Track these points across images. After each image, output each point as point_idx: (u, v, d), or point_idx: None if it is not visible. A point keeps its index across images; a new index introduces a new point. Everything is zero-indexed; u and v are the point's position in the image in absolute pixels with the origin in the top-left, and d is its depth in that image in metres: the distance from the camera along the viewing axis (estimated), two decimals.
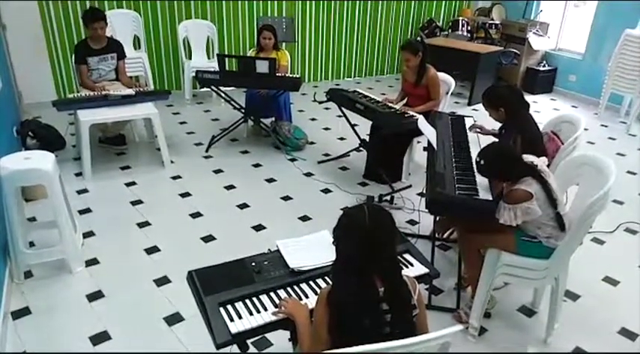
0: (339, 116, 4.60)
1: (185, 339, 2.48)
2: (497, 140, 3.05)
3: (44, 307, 2.66)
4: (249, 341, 1.75)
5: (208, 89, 4.95)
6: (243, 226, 3.49)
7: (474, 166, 2.89)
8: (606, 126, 5.75)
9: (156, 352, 2.37)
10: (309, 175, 4.30)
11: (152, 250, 3.17)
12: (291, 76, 4.67)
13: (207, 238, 3.33)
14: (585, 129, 3.26)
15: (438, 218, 2.96)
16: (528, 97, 3.21)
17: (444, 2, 7.52)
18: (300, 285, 1.87)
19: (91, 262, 3.02)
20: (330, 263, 1.85)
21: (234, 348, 1.72)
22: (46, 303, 2.68)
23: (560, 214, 2.33)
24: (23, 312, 2.62)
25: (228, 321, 1.67)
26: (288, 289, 1.85)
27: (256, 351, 2.41)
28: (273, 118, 4.92)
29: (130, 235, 3.32)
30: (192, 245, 3.25)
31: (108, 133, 4.52)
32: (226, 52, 6.04)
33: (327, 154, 4.68)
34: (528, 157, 2.43)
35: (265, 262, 1.94)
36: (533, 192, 2.27)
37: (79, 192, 3.81)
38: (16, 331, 2.49)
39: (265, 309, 1.75)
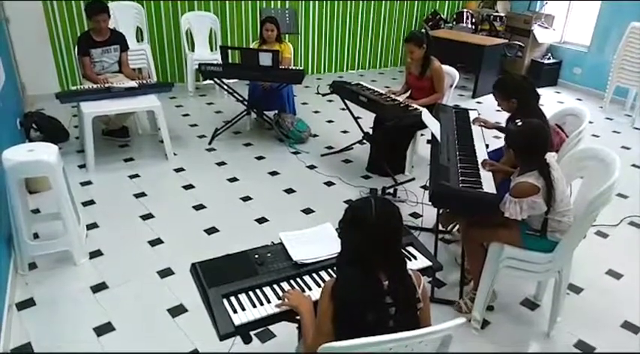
0: (343, 109, 4.58)
1: (188, 330, 2.49)
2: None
3: (48, 298, 2.67)
4: (252, 333, 1.75)
5: (211, 81, 4.94)
6: (246, 218, 3.50)
7: (477, 156, 2.87)
8: (611, 119, 5.71)
9: (158, 352, 2.38)
10: (312, 167, 4.29)
11: (155, 242, 3.18)
12: (294, 68, 4.66)
13: (211, 231, 3.33)
14: (590, 122, 3.24)
15: (441, 211, 2.95)
16: None
17: None
18: (303, 277, 1.87)
19: (95, 254, 3.03)
20: (333, 256, 1.85)
21: (238, 339, 1.73)
22: (50, 294, 2.70)
23: (547, 220, 2.31)
24: (28, 303, 2.63)
25: (231, 313, 1.68)
26: (291, 281, 1.85)
27: (259, 343, 2.42)
28: (276, 111, 4.91)
29: (134, 227, 3.33)
30: (195, 237, 3.25)
31: (111, 126, 4.52)
32: (229, 45, 6.02)
33: (330, 147, 4.67)
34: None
35: (268, 255, 1.94)
36: (540, 186, 2.26)
37: (83, 184, 3.82)
38: (20, 322, 2.51)
39: (268, 301, 1.75)
